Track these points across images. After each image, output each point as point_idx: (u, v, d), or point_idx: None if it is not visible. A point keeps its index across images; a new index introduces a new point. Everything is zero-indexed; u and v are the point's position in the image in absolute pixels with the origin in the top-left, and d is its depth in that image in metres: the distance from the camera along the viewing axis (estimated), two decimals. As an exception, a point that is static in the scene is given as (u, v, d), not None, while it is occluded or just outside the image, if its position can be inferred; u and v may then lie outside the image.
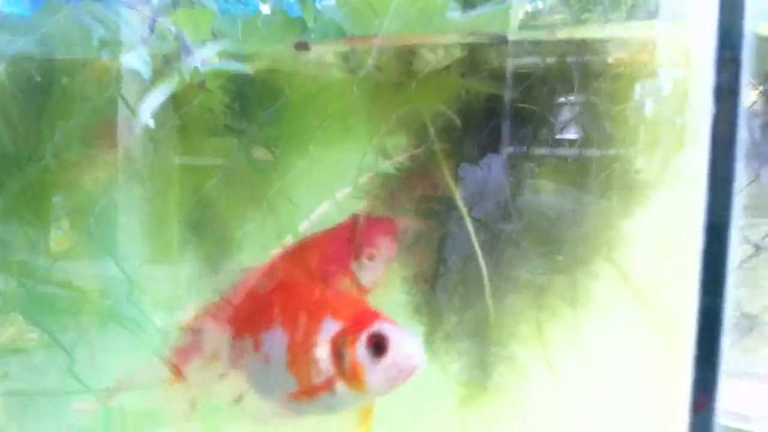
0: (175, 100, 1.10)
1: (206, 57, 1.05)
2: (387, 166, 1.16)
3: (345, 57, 1.15)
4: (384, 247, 1.09)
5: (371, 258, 1.08)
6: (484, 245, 1.16)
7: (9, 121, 1.08)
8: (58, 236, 1.20)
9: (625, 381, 1.16)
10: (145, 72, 1.04)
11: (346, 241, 1.09)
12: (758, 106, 1.77)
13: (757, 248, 1.69)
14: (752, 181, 1.62)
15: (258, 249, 1.18)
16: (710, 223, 1.01)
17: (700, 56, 1.06)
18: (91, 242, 1.13)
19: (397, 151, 1.16)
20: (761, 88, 1.79)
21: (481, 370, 1.17)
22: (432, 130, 1.13)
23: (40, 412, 1.13)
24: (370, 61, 1.12)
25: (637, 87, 1.18)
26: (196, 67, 1.04)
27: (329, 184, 1.18)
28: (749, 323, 1.69)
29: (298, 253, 1.11)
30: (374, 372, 0.90)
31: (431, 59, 1.12)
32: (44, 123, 1.08)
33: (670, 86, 1.17)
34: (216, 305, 1.08)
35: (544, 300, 1.18)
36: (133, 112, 1.08)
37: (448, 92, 1.13)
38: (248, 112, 1.16)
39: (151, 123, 1.08)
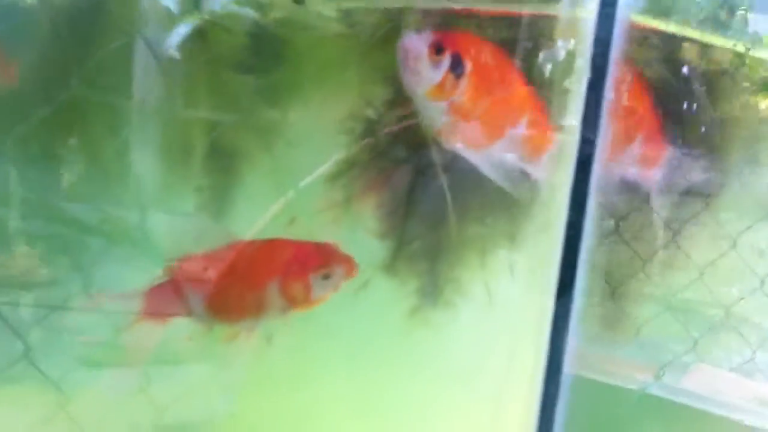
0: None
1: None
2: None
3: (347, 13, 1.30)
4: (338, 275, 1.21)
5: (327, 278, 1.20)
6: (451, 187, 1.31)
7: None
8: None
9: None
10: (174, 7, 1.17)
11: (315, 254, 1.22)
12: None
13: (734, 244, 1.76)
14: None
15: (257, 202, 1.28)
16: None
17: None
18: (99, 184, 1.19)
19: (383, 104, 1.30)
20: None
21: (433, 288, 1.34)
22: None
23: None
24: (369, 20, 1.28)
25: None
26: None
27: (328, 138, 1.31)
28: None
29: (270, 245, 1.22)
30: None
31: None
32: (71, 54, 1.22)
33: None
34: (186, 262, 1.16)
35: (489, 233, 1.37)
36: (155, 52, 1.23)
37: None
38: (263, 53, 1.29)
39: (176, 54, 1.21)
